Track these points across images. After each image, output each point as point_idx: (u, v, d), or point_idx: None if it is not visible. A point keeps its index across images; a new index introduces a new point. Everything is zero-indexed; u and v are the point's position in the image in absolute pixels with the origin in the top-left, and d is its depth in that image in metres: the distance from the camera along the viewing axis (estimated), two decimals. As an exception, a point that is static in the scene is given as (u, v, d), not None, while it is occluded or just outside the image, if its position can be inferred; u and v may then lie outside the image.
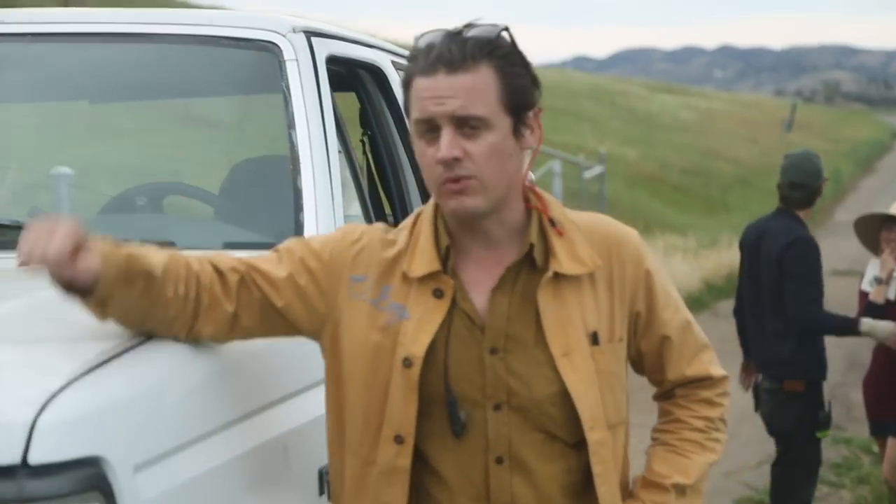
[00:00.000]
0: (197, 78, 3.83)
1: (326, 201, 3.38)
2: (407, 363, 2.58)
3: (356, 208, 3.86)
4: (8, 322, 2.56)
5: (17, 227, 3.32)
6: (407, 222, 2.73)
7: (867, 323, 6.63)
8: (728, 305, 14.50)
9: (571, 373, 2.59)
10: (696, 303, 15.67)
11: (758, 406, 6.78)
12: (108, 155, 4.34)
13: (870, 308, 6.79)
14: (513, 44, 2.60)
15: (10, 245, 3.23)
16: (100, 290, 2.45)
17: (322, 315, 2.66)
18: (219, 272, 2.63)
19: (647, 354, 2.78)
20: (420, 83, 2.56)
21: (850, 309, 7.17)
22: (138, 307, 2.52)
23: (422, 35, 2.62)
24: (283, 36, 3.58)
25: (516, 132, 2.60)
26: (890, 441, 7.04)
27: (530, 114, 2.61)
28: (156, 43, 3.65)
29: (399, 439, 2.59)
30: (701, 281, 17.48)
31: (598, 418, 2.61)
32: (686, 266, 18.09)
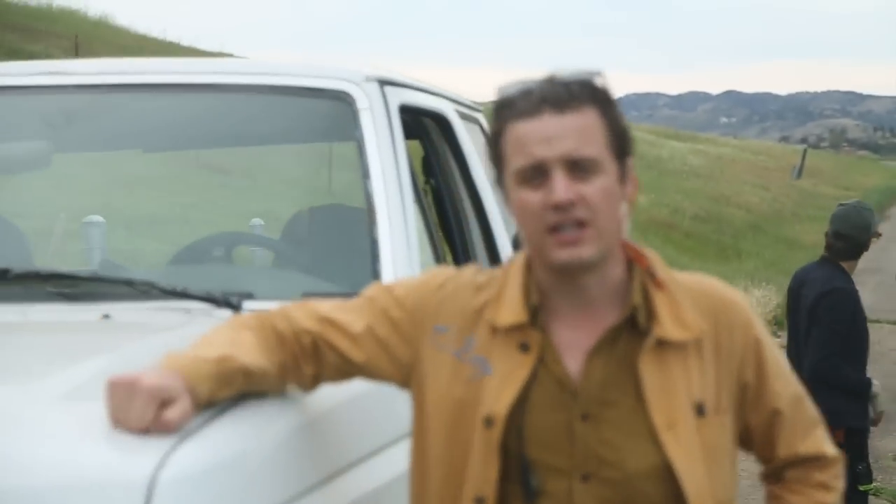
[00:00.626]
0: (271, 127, 3.82)
1: (403, 251, 3.36)
2: (488, 423, 2.43)
3: (429, 256, 3.83)
4: (109, 376, 2.52)
5: (95, 280, 3.30)
6: (497, 270, 2.59)
7: (876, 387, 6.62)
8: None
9: (676, 447, 2.40)
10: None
11: None
12: (177, 204, 4.34)
13: None
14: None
15: (85, 297, 3.24)
16: (201, 404, 2.31)
17: (407, 366, 2.54)
18: (295, 333, 2.53)
19: (756, 429, 2.58)
20: (521, 128, 2.39)
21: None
22: (245, 391, 2.44)
23: (506, 86, 2.45)
24: (357, 85, 3.56)
25: (622, 178, 2.44)
26: None
27: (629, 161, 2.47)
28: (234, 93, 3.64)
29: (480, 501, 2.43)
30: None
31: (705, 497, 2.42)
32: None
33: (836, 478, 2.64)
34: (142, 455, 2.14)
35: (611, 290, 2.47)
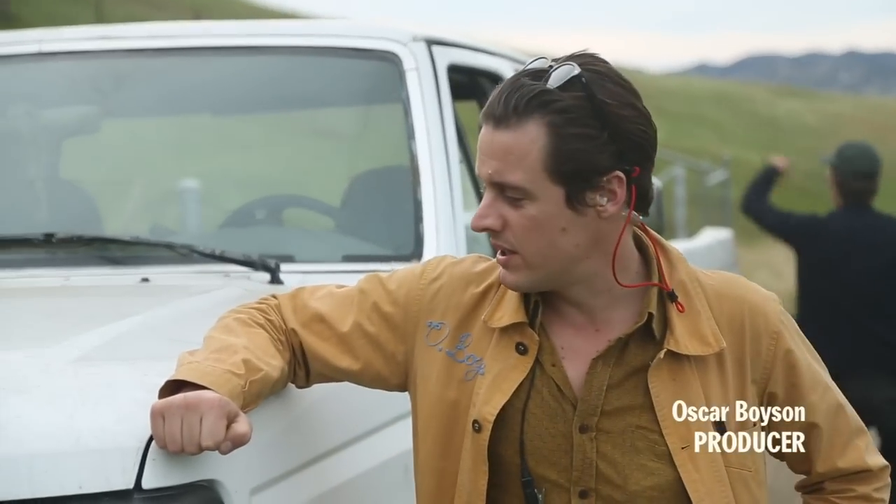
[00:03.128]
0: (317, 89, 3.80)
1: (447, 213, 3.33)
2: (476, 427, 2.27)
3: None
4: (125, 340, 2.52)
5: (136, 244, 3.31)
6: None
7: None
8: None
9: (693, 469, 2.25)
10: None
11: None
12: (230, 168, 4.33)
13: None
14: (592, 89, 2.17)
15: (133, 261, 3.25)
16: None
17: (403, 364, 2.37)
18: (286, 332, 2.39)
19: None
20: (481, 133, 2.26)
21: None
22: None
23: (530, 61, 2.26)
24: (404, 45, 3.52)
25: (575, 201, 2.20)
26: None
27: (606, 178, 2.19)
28: (276, 55, 3.63)
29: None
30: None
31: None
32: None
33: (881, 489, 2.45)
34: (137, 421, 2.12)
35: (615, 298, 2.29)
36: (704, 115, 39.49)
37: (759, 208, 6.70)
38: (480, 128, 2.25)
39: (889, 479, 2.47)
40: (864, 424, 2.46)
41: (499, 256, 2.26)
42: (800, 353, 2.37)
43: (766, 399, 2.35)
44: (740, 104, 46.65)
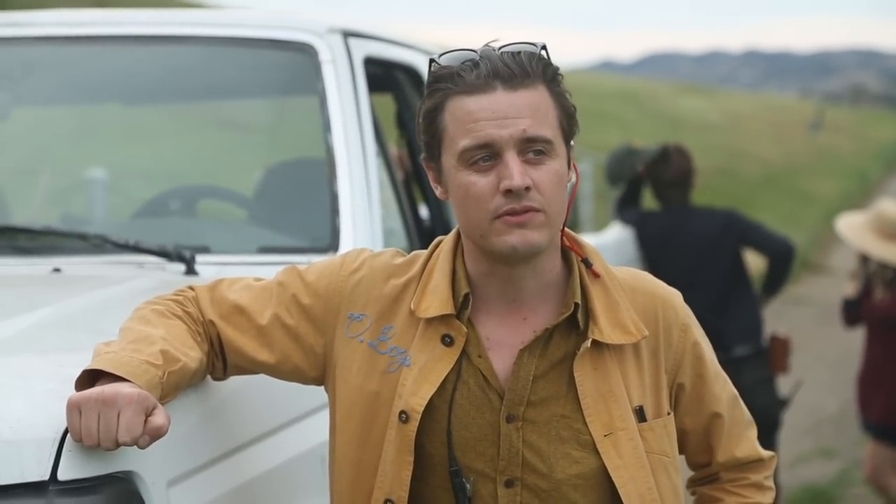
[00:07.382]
0: (232, 80, 3.77)
1: (363, 205, 3.32)
2: (403, 417, 2.28)
3: (393, 211, 3.79)
4: (40, 331, 2.49)
5: (47, 233, 3.26)
6: (423, 252, 2.42)
7: None
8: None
9: (616, 456, 2.29)
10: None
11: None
12: (142, 158, 4.29)
13: None
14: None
15: (44, 251, 3.20)
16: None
17: (322, 356, 2.37)
18: (203, 324, 2.36)
19: (692, 433, 2.46)
20: (467, 104, 2.21)
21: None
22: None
23: (443, 54, 2.27)
24: (320, 37, 3.50)
25: (569, 162, 2.29)
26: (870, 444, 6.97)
27: (572, 146, 2.30)
28: (191, 45, 3.58)
29: None
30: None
31: None
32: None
33: (769, 478, 2.53)
34: (52, 413, 2.09)
35: (544, 286, 2.33)
36: (610, 111, 39.77)
37: (623, 217, 7.01)
38: (439, 107, 2.24)
39: (773, 471, 2.55)
40: (751, 417, 2.55)
41: (517, 217, 2.21)
42: (705, 346, 2.45)
43: (675, 389, 2.41)
44: (645, 101, 47.03)
